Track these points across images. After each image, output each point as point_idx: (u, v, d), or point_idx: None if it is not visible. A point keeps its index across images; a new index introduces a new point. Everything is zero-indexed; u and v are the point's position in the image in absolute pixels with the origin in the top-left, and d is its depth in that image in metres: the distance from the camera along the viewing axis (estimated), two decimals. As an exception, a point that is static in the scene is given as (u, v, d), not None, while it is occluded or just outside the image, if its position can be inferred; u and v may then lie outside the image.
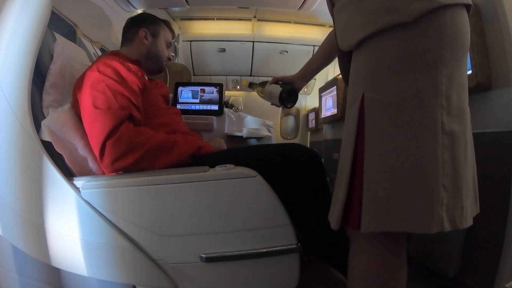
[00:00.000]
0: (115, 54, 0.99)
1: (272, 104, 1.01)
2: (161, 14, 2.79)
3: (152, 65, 1.04)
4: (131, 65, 0.91)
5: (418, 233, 0.50)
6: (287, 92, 0.92)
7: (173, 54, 2.93)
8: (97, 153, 0.77)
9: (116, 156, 0.75)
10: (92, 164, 0.87)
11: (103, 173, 0.88)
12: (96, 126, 0.77)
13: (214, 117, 1.53)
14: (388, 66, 0.50)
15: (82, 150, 0.84)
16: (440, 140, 0.48)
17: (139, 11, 2.13)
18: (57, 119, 0.79)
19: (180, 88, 1.60)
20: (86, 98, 0.80)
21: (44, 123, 0.76)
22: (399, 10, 0.47)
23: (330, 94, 2.40)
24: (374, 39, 0.51)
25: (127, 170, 0.78)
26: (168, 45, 1.08)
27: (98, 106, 0.78)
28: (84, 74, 0.85)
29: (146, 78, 1.03)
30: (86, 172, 0.85)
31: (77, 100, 0.84)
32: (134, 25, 1.03)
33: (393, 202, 0.49)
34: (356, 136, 0.52)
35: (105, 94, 0.79)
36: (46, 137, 0.75)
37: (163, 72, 1.10)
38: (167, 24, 1.09)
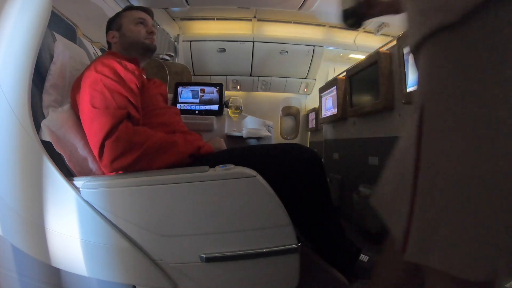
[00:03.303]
0: (112, 53, 1.00)
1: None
2: (161, 14, 2.79)
3: (138, 49, 1.02)
4: (128, 64, 0.91)
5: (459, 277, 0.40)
6: (348, 11, 0.83)
7: (172, 54, 2.94)
8: (96, 153, 0.77)
9: (115, 156, 0.75)
10: (92, 164, 0.87)
11: (103, 173, 0.88)
12: (95, 126, 0.77)
13: (214, 117, 1.53)
14: (444, 74, 0.43)
15: (82, 150, 0.84)
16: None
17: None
18: (57, 119, 0.79)
19: (180, 88, 1.60)
20: (84, 98, 0.80)
21: (44, 123, 0.76)
22: (445, 7, 0.40)
23: (330, 94, 2.40)
24: (429, 42, 0.44)
25: (126, 169, 0.78)
26: (139, 21, 1.02)
27: (96, 106, 0.78)
28: (82, 74, 0.85)
29: (144, 76, 1.03)
30: (86, 172, 0.85)
31: (76, 100, 0.84)
32: (106, 34, 1.05)
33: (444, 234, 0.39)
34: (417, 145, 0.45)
35: (103, 93, 0.79)
36: (46, 137, 0.75)
37: (154, 47, 1.04)
38: (127, 8, 1.06)
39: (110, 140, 0.75)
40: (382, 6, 0.82)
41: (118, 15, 1.05)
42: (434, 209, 0.40)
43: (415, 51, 0.48)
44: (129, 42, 1.01)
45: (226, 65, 3.67)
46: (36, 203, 0.71)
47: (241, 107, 1.52)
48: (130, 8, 1.06)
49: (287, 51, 3.49)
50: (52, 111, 0.80)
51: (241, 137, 1.49)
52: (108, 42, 1.05)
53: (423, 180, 0.43)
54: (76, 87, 0.86)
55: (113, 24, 1.04)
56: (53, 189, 0.71)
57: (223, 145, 1.07)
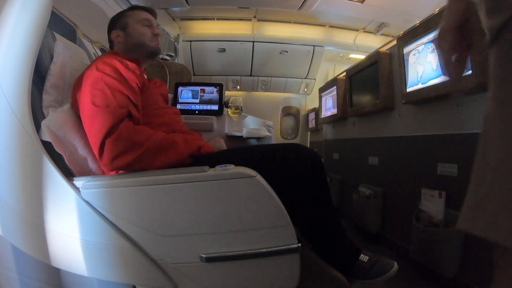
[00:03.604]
0: (114, 53, 0.99)
1: None
2: (161, 14, 2.79)
3: (143, 51, 1.02)
4: (129, 64, 0.91)
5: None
6: None
7: (172, 54, 2.94)
8: (96, 152, 0.77)
9: (115, 154, 0.75)
10: (92, 164, 0.87)
11: (103, 173, 0.88)
12: (95, 124, 0.76)
13: (214, 117, 1.53)
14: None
15: (82, 150, 0.84)
16: None
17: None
18: (57, 119, 0.79)
19: (180, 88, 1.60)
20: (85, 97, 0.79)
21: (44, 123, 0.76)
22: None
23: (330, 94, 2.40)
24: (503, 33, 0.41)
25: (126, 168, 0.78)
26: (146, 23, 1.02)
27: (97, 104, 0.77)
28: (83, 73, 0.85)
29: (145, 76, 1.03)
30: (86, 172, 0.85)
31: (76, 99, 0.84)
32: (108, 33, 1.04)
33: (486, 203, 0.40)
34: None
35: (104, 92, 0.79)
36: (46, 137, 0.75)
37: (159, 50, 1.04)
38: (133, 7, 1.05)
39: (110, 139, 0.75)
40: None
41: (123, 14, 1.04)
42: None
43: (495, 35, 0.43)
44: (134, 43, 1.00)
45: (226, 65, 3.67)
46: (36, 203, 0.71)
47: (241, 107, 1.52)
48: (136, 8, 1.05)
49: (287, 51, 3.50)
50: (52, 111, 0.80)
51: (241, 137, 1.49)
52: (110, 41, 1.04)
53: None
54: (77, 86, 0.85)
55: (117, 22, 1.02)
56: (53, 189, 0.71)
57: (223, 145, 1.07)
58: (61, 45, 0.90)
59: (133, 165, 0.77)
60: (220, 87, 1.58)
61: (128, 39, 1.00)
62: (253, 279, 0.72)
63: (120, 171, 0.80)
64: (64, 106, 0.85)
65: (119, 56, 0.93)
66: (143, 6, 1.06)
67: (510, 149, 0.39)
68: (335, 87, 2.27)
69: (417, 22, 1.32)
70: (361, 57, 2.47)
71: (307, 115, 4.13)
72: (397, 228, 1.55)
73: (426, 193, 1.25)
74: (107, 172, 0.82)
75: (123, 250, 0.70)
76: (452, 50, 0.54)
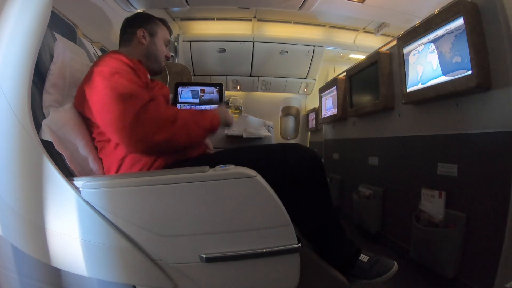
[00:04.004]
0: (117, 52, 0.99)
1: None
2: (161, 15, 2.79)
3: (152, 65, 1.04)
4: (136, 61, 0.93)
5: None
6: None
7: (172, 55, 2.94)
8: (126, 138, 0.77)
9: (149, 132, 0.76)
10: (92, 165, 0.87)
11: (104, 173, 0.88)
12: (119, 109, 0.76)
13: (214, 117, 1.53)
14: None
15: (83, 150, 0.84)
16: None
17: (140, 11, 2.14)
18: (58, 119, 0.79)
19: (180, 88, 1.60)
20: (101, 91, 0.79)
21: (45, 123, 0.76)
22: None
23: (330, 94, 2.40)
24: None
25: (163, 146, 0.79)
26: (166, 43, 1.07)
27: (119, 92, 0.78)
28: (91, 72, 0.84)
29: (149, 77, 1.03)
30: (86, 172, 0.85)
31: (82, 98, 0.84)
32: (131, 25, 1.02)
33: None
34: None
35: (123, 81, 0.80)
36: (47, 136, 0.75)
37: (163, 72, 1.09)
38: (164, 22, 1.08)
39: (141, 119, 0.76)
40: None
41: (154, 20, 1.05)
42: None
43: None
44: (152, 53, 1.02)
45: (226, 65, 3.67)
46: (36, 203, 0.71)
47: (241, 107, 1.51)
48: (165, 23, 1.08)
49: (287, 51, 3.50)
50: (53, 111, 0.80)
51: (241, 137, 1.49)
52: (125, 35, 1.03)
53: None
54: (85, 84, 0.84)
55: (147, 24, 1.02)
56: (53, 189, 0.70)
57: (228, 116, 1.01)
58: (61, 45, 0.90)
59: (171, 141, 0.79)
60: (220, 87, 1.58)
61: (150, 46, 1.02)
62: (253, 279, 0.72)
63: (124, 167, 0.82)
64: (65, 106, 0.85)
65: (123, 55, 0.93)
66: (169, 25, 1.11)
67: None
68: (335, 87, 2.27)
69: (417, 22, 1.32)
70: (361, 57, 2.47)
71: (307, 115, 4.13)
72: (397, 228, 1.55)
73: (426, 193, 1.25)
74: (142, 152, 0.83)
75: (123, 250, 0.70)
76: None
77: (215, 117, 0.91)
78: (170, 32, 1.11)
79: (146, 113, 0.77)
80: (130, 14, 1.07)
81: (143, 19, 1.03)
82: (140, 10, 2.15)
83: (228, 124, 1.01)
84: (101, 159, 0.89)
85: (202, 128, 0.86)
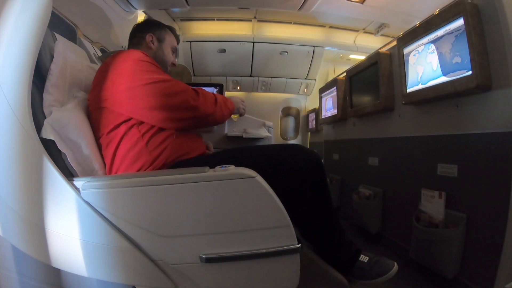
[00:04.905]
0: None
1: None
2: (161, 15, 2.79)
3: None
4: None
5: None
6: None
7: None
8: (177, 119, 0.87)
9: (210, 104, 0.92)
10: (95, 164, 0.86)
11: (105, 173, 0.88)
12: (177, 95, 0.86)
13: (214, 117, 1.53)
14: None
15: (85, 149, 0.84)
16: None
17: (140, 11, 2.14)
18: (60, 118, 0.79)
19: (180, 89, 1.60)
20: (137, 81, 0.84)
21: (47, 122, 0.76)
22: None
23: (330, 95, 2.40)
24: None
25: (209, 120, 0.95)
26: (174, 50, 1.11)
27: (160, 80, 0.85)
28: (106, 70, 0.87)
29: None
30: (88, 172, 0.85)
31: (101, 95, 0.86)
32: (141, 30, 1.05)
33: None
34: None
35: (154, 71, 0.87)
36: (50, 135, 0.75)
37: None
38: (172, 30, 1.11)
39: (198, 97, 0.89)
40: None
41: (163, 27, 1.09)
42: None
43: None
44: (160, 59, 1.05)
45: (226, 65, 3.67)
46: (36, 203, 0.71)
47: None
48: (172, 31, 1.12)
49: (287, 52, 3.50)
50: (56, 110, 0.80)
51: (241, 137, 1.49)
52: (134, 39, 1.06)
53: None
54: (109, 76, 0.86)
55: (156, 30, 1.06)
56: (53, 189, 0.70)
57: (241, 105, 1.14)
58: (62, 46, 0.90)
59: (213, 115, 0.94)
60: (220, 88, 1.58)
61: (158, 52, 1.05)
62: (253, 280, 0.72)
63: (124, 165, 0.85)
64: (68, 105, 0.85)
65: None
66: (176, 33, 1.14)
67: None
68: (335, 87, 2.27)
69: (417, 22, 1.32)
70: (361, 57, 2.47)
71: (307, 116, 4.14)
72: (397, 229, 1.55)
73: (426, 193, 1.25)
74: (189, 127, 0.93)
75: (123, 251, 0.70)
76: None
77: (232, 103, 1.06)
78: (178, 41, 1.14)
79: (199, 93, 0.91)
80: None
81: (152, 24, 1.07)
82: (140, 11, 2.15)
83: (240, 113, 1.15)
84: (103, 158, 0.89)
85: (228, 109, 1.02)
